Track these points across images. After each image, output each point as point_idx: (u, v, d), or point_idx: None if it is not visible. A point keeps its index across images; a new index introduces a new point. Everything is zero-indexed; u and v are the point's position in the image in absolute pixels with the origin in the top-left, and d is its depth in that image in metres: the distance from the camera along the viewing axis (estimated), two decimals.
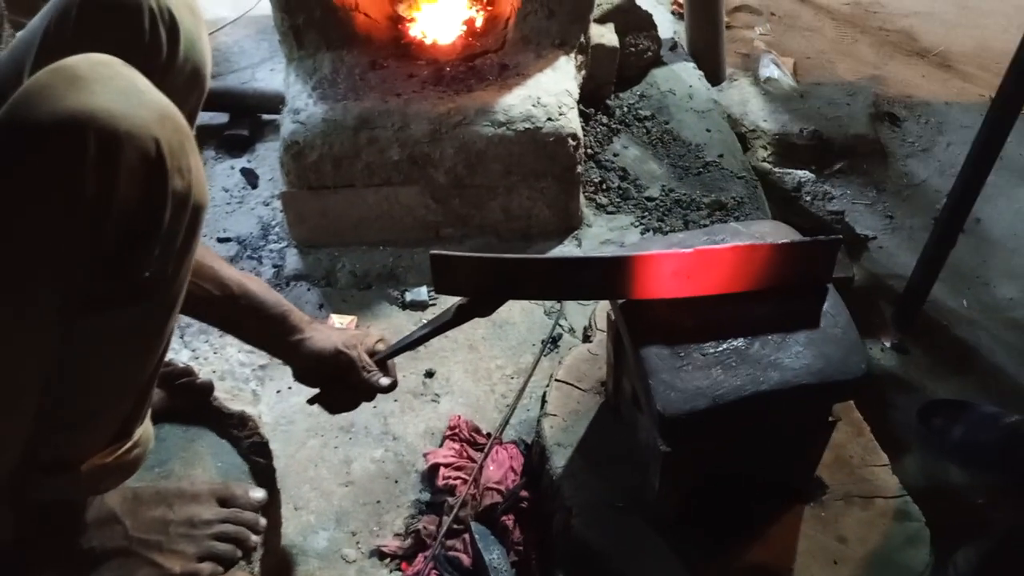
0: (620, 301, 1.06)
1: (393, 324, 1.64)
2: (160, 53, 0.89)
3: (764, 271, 1.01)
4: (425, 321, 1.65)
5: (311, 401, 1.13)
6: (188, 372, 1.21)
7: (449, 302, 1.69)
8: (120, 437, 0.88)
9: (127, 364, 0.82)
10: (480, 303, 1.05)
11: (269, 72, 2.29)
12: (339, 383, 1.10)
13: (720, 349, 0.99)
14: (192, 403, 1.19)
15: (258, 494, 1.08)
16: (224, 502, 1.04)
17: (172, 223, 0.71)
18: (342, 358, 1.07)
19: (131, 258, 0.70)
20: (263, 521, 1.07)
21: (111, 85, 0.66)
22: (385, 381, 1.11)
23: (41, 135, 0.62)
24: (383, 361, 1.12)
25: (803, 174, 2.14)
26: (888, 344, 1.77)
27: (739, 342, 1.00)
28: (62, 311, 0.70)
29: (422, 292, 1.70)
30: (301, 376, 1.10)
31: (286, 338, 1.05)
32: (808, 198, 2.10)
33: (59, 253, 0.66)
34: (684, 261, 1.00)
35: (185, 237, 0.74)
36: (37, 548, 0.90)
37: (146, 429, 0.91)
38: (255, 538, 1.05)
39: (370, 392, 1.11)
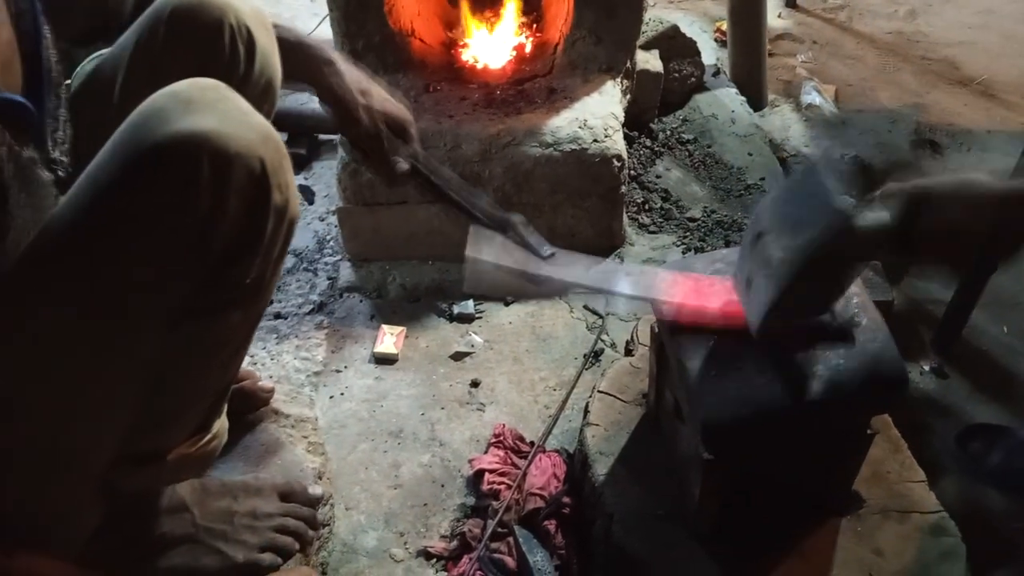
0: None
1: (440, 335, 1.69)
2: (238, 68, 0.96)
3: None
4: (473, 324, 1.71)
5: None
6: (250, 375, 1.28)
7: (496, 315, 1.74)
8: (200, 430, 0.94)
9: (218, 364, 0.88)
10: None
11: None
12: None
13: (762, 359, 1.02)
14: (254, 405, 1.26)
15: (317, 491, 1.14)
16: (285, 497, 1.10)
17: (272, 235, 0.76)
18: (362, 129, 1.10)
19: (235, 268, 0.76)
20: (320, 517, 1.13)
21: (220, 108, 0.72)
22: (404, 166, 1.14)
23: (160, 155, 0.68)
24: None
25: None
26: (927, 368, 1.77)
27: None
28: (169, 318, 0.75)
29: (468, 305, 1.75)
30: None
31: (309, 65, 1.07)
32: None
33: (172, 264, 0.71)
34: None
35: (281, 247, 0.79)
36: (116, 533, 0.96)
37: (222, 423, 0.98)
38: (312, 532, 1.10)
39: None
